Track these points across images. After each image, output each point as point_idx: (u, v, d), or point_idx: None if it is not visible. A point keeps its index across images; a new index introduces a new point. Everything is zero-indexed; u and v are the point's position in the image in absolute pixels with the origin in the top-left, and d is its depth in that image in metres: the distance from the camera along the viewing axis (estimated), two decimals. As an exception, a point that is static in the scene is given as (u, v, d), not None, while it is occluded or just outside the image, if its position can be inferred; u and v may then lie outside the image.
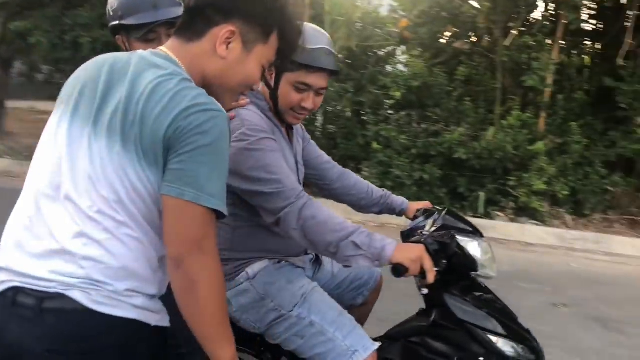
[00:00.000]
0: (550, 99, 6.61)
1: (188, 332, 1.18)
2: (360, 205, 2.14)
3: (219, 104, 1.17)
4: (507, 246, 6.20)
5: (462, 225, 1.81)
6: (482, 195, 6.66)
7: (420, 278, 1.61)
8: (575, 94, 6.76)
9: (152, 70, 1.16)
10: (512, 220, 6.58)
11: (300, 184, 1.81)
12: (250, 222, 1.71)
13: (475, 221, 6.99)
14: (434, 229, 1.74)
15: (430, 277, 1.55)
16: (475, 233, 1.79)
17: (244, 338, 1.75)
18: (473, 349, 1.69)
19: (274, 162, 1.59)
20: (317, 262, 1.96)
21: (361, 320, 2.00)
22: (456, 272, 1.72)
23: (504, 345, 1.68)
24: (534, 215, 6.52)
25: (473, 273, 1.73)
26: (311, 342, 1.67)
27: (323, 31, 1.70)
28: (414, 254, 1.53)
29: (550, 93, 6.58)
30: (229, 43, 1.22)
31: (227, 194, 1.19)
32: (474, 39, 7.27)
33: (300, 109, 1.71)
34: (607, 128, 6.55)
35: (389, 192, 2.15)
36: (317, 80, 1.67)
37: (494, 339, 1.68)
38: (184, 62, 1.21)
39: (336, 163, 2.12)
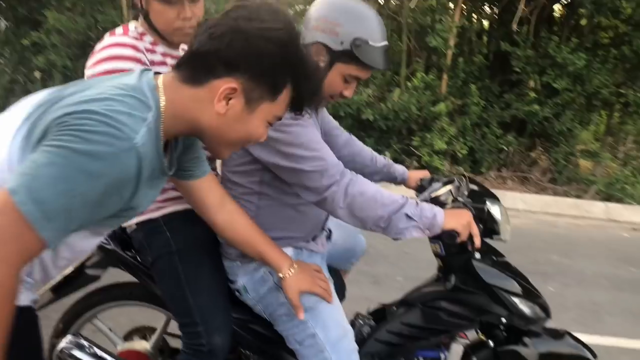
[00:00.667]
0: (452, 61, 6.93)
1: None
2: (363, 172, 2.09)
3: (139, 134, 0.98)
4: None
5: (482, 190, 1.85)
6: (387, 154, 6.89)
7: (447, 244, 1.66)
8: (475, 57, 7.16)
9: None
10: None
11: None
12: (276, 200, 1.61)
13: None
14: (462, 195, 1.75)
15: (478, 242, 1.58)
16: (495, 197, 1.83)
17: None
18: (495, 311, 1.76)
19: (313, 137, 1.50)
20: (329, 237, 1.90)
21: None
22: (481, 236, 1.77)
23: (524, 305, 1.77)
24: (435, 174, 6.88)
25: (495, 236, 1.78)
26: (307, 352, 1.63)
27: (383, 24, 1.58)
28: (464, 219, 1.55)
29: (451, 56, 6.89)
30: (230, 99, 1.08)
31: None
32: (380, 1, 7.35)
33: (339, 97, 1.61)
34: (503, 91, 7.04)
35: (391, 161, 2.12)
36: (368, 74, 1.60)
37: (516, 300, 1.76)
38: (175, 104, 1.07)
39: (343, 128, 2.04)
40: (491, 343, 1.86)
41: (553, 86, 6.45)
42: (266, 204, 1.60)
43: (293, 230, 1.66)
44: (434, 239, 1.77)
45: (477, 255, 1.75)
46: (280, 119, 1.17)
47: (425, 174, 2.11)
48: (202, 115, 1.08)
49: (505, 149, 6.89)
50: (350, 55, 1.49)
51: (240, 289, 1.65)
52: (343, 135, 2.02)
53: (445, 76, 6.95)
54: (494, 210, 1.78)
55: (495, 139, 6.84)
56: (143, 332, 2.03)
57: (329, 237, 1.91)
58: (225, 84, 1.05)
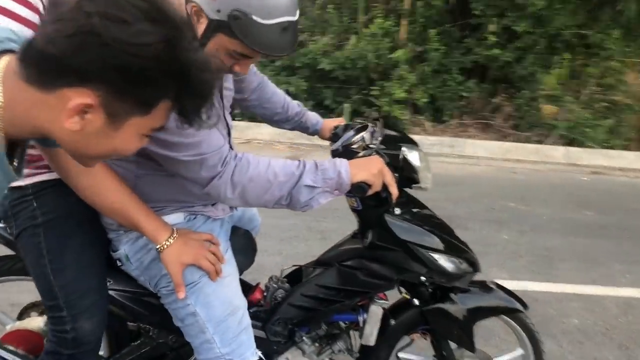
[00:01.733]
0: (411, 6, 6.66)
1: None
2: (273, 120, 1.90)
3: None
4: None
5: (399, 135, 1.66)
6: (347, 106, 6.68)
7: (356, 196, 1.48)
8: (434, 1, 6.88)
9: None
10: (377, 129, 6.74)
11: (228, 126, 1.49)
12: (156, 170, 1.37)
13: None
14: (375, 141, 1.57)
15: (394, 191, 1.41)
16: (413, 143, 1.65)
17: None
18: (414, 269, 1.61)
19: None
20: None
21: None
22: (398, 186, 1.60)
23: (445, 261, 1.62)
24: (395, 124, 6.73)
25: (414, 185, 1.62)
26: (189, 331, 1.46)
27: None
28: (375, 168, 1.37)
29: (410, 0, 6.62)
30: (86, 112, 0.80)
31: None
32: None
33: (230, 71, 1.33)
34: (464, 36, 6.82)
35: (305, 109, 1.92)
36: (258, 56, 1.29)
37: (435, 256, 1.61)
38: (15, 106, 0.80)
39: (258, 72, 1.81)
40: (416, 302, 1.72)
41: (513, 29, 6.25)
42: (146, 173, 1.39)
43: (183, 196, 1.45)
44: (348, 193, 1.60)
45: (397, 208, 1.58)
46: (161, 129, 0.90)
47: (339, 121, 1.91)
48: (52, 126, 0.82)
49: (467, 95, 6.72)
50: (229, 28, 1.19)
51: (122, 258, 1.45)
52: (255, 79, 1.79)
53: (404, 22, 6.69)
54: (412, 156, 1.60)
55: (457, 86, 6.67)
56: (41, 307, 1.84)
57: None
58: (77, 97, 0.78)
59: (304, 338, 1.72)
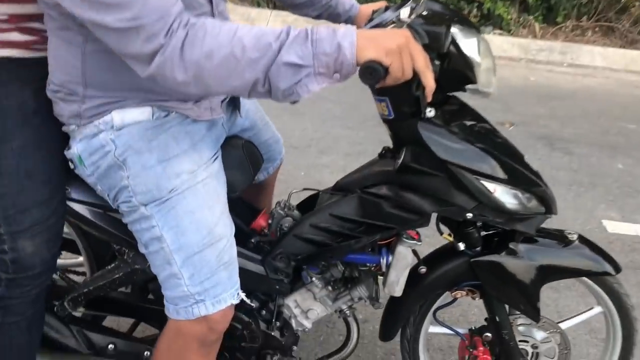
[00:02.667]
0: None
1: None
2: (295, 3, 1.45)
3: None
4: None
5: (454, 16, 1.15)
6: None
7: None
8: None
9: None
10: (475, 30, 5.93)
11: None
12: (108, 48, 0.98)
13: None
14: (413, 16, 1.09)
15: (429, 80, 0.96)
16: (471, 25, 1.15)
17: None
18: (458, 201, 1.17)
19: None
20: (233, 104, 1.31)
21: (262, 202, 1.54)
22: (443, 85, 1.13)
23: (504, 194, 1.16)
24: (499, 24, 5.86)
25: (469, 87, 1.13)
26: (153, 260, 1.15)
27: None
28: (394, 41, 0.91)
29: None
30: None
31: None
32: None
33: None
34: None
35: None
36: None
37: (490, 186, 1.15)
38: None
39: None
40: (462, 246, 1.29)
41: None
42: (97, 49, 1.01)
43: (150, 84, 1.06)
44: (379, 94, 1.16)
45: (432, 111, 1.11)
46: None
47: (380, 5, 1.41)
48: None
49: (589, -8, 5.65)
50: None
51: (74, 159, 1.14)
52: None
53: None
54: (467, 43, 1.11)
55: (577, -20, 5.60)
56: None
57: (232, 103, 1.32)
58: None
59: (313, 279, 1.37)
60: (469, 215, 1.17)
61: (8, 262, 1.14)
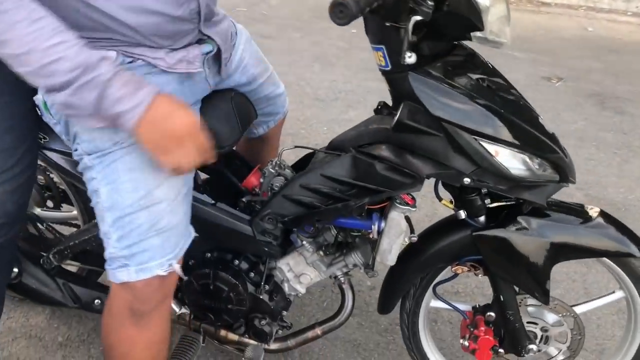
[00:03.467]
0: None
1: None
2: None
3: None
4: (516, 6, 5.28)
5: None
6: None
7: None
8: None
9: None
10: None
11: None
12: None
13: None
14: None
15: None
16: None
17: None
18: (455, 165, 1.04)
19: None
20: (215, 60, 1.17)
21: (264, 158, 1.41)
22: (445, 32, 0.99)
23: (509, 158, 1.02)
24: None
25: (476, 35, 0.98)
26: (95, 213, 1.07)
27: None
28: (179, 131, 0.92)
29: None
30: None
31: None
32: None
33: None
34: None
35: None
36: None
37: (490, 148, 1.01)
38: None
39: None
40: (462, 214, 1.16)
41: None
42: None
43: (115, 25, 0.97)
44: (375, 43, 1.04)
45: (410, 56, 0.97)
46: None
47: None
48: None
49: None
50: None
51: (40, 105, 1.07)
52: None
53: None
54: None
55: None
56: None
57: (217, 56, 1.20)
58: None
59: (304, 243, 1.28)
60: (467, 180, 1.04)
61: None
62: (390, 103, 1.15)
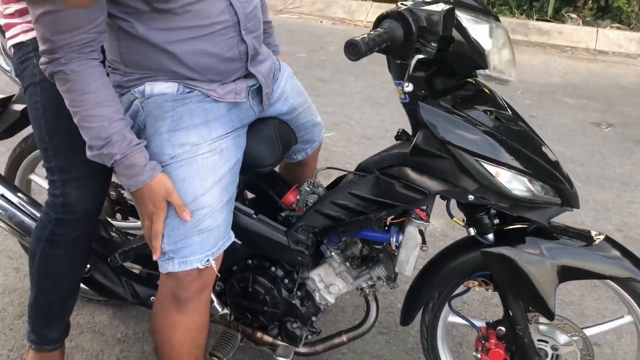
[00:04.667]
0: None
1: None
2: None
3: None
4: (573, 54, 5.33)
5: (468, 1, 1.18)
6: None
7: None
8: None
9: None
10: (588, 24, 5.55)
11: None
12: (137, 35, 1.16)
13: (539, 25, 6.06)
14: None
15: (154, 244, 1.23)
16: (487, 14, 1.16)
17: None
18: (461, 183, 1.18)
19: None
20: (259, 92, 1.37)
21: (301, 180, 1.56)
22: (453, 69, 1.16)
23: (511, 180, 1.15)
24: (618, 17, 5.45)
25: (481, 72, 1.15)
26: None
27: None
28: (146, 207, 1.19)
29: None
30: None
31: None
32: None
33: None
34: None
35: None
36: None
37: (491, 169, 1.15)
38: None
39: None
40: (472, 231, 1.30)
41: None
42: (126, 35, 1.18)
43: (175, 67, 1.21)
44: (397, 78, 1.21)
45: (408, 86, 1.15)
46: None
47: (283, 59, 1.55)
48: None
49: None
50: None
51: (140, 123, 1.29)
52: None
53: None
54: (478, 30, 1.13)
55: None
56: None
57: (259, 91, 1.37)
58: None
59: (332, 254, 1.44)
60: (471, 197, 1.18)
61: (59, 204, 1.34)
62: (410, 131, 1.31)
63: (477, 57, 1.14)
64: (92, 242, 1.53)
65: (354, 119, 3.58)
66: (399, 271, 1.35)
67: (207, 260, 1.24)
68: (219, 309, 1.56)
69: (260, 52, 1.32)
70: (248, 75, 1.31)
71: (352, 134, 3.33)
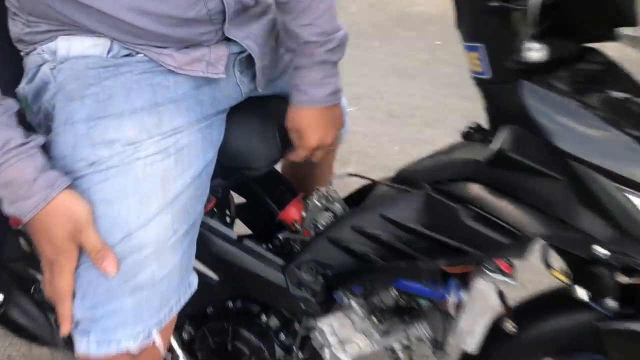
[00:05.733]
0: None
1: None
2: None
3: None
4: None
5: None
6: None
7: None
8: None
9: None
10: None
11: None
12: None
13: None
14: None
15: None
16: None
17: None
18: (582, 225, 0.69)
19: None
20: (249, 62, 0.88)
21: (311, 186, 1.06)
22: (574, 29, 0.66)
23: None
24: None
25: (624, 32, 0.65)
26: None
27: None
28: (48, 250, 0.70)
29: None
30: None
31: None
32: None
33: None
34: None
35: None
36: None
37: (633, 198, 0.65)
38: None
39: None
40: (584, 295, 0.80)
41: None
42: None
43: (114, 23, 0.72)
44: (471, 39, 0.72)
45: (540, 48, 0.65)
46: None
47: None
48: None
49: None
50: None
51: (21, 102, 0.82)
52: None
53: None
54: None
55: None
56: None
57: (257, 64, 0.88)
58: None
59: (352, 303, 0.97)
60: (599, 250, 0.68)
61: None
62: (485, 126, 0.81)
63: (624, 3, 0.63)
64: (8, 263, 1.07)
65: (377, 92, 3.09)
66: (457, 343, 0.87)
67: (147, 336, 0.76)
68: (187, 365, 1.11)
69: (251, 3, 0.82)
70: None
71: (376, 110, 2.83)
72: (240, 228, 1.13)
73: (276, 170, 1.16)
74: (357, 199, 1.01)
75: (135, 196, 0.72)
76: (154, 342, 0.76)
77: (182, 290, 0.80)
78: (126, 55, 0.76)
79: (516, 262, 0.82)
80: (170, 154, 0.75)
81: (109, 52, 0.75)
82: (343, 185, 1.07)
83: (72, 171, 0.71)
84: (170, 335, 0.83)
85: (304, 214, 1.01)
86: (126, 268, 0.72)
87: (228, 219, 1.15)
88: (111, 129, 0.72)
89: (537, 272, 0.87)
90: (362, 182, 1.01)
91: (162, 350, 0.78)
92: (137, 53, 0.76)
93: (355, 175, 0.98)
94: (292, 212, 1.03)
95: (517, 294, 0.89)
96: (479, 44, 0.71)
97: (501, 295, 0.82)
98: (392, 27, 4.36)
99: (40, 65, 0.77)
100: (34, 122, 0.83)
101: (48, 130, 0.78)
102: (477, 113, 0.83)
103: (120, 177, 0.71)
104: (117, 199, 0.71)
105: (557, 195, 0.70)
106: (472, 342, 0.85)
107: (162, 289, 0.76)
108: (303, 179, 1.21)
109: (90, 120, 0.72)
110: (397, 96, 3.02)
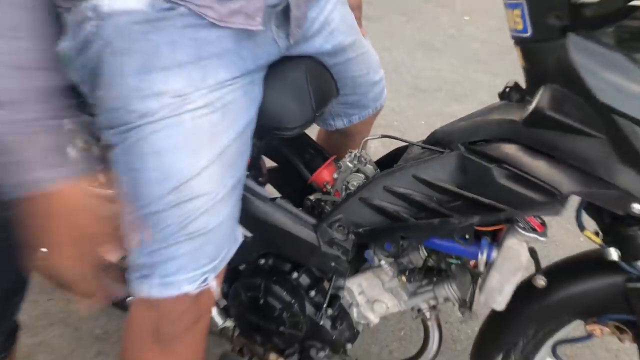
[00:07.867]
0: None
1: None
2: None
3: None
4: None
5: None
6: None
7: None
8: None
9: None
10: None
11: None
12: None
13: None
14: None
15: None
16: None
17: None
18: (621, 182, 0.69)
19: None
20: (286, 16, 0.88)
21: (339, 152, 1.11)
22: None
23: None
24: None
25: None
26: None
27: None
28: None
29: None
30: None
31: None
32: None
33: None
34: None
35: None
36: None
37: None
38: None
39: None
40: (614, 254, 0.80)
41: None
42: None
43: None
44: (510, 1, 0.73)
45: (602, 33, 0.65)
46: None
47: None
48: None
49: None
50: None
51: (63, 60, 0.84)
52: None
53: None
54: None
55: None
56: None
57: (285, 14, 0.88)
58: None
59: (382, 263, 0.98)
60: (638, 207, 0.69)
61: None
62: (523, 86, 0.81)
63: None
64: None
65: (404, 66, 3.05)
66: (485, 302, 0.88)
67: (204, 281, 0.80)
68: (219, 320, 1.14)
69: None
70: None
71: (402, 84, 2.80)
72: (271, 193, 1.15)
73: (308, 135, 1.17)
74: (389, 162, 1.02)
75: (185, 148, 0.74)
76: (210, 286, 0.79)
77: (232, 240, 0.84)
78: (168, 10, 0.77)
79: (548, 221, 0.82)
80: (216, 108, 0.77)
81: (151, 6, 0.76)
82: (374, 150, 1.08)
83: (125, 123, 0.74)
84: (221, 284, 0.86)
85: (335, 175, 1.03)
86: (181, 216, 0.75)
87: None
88: (159, 81, 0.73)
89: (568, 232, 0.87)
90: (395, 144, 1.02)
91: (217, 295, 0.82)
92: (179, 6, 0.77)
93: (389, 136, 0.98)
94: (324, 174, 1.05)
95: (548, 253, 0.89)
96: (521, 1, 0.71)
97: (533, 253, 0.82)
98: (419, 2, 4.30)
99: (82, 22, 0.78)
100: (77, 78, 0.85)
101: (93, 85, 0.80)
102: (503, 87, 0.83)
103: (170, 129, 0.73)
104: (168, 150, 0.73)
105: (596, 153, 0.70)
106: (502, 300, 0.86)
107: (215, 238, 0.79)
108: (337, 148, 1.22)
109: (140, 74, 0.73)
110: (424, 71, 2.99)
